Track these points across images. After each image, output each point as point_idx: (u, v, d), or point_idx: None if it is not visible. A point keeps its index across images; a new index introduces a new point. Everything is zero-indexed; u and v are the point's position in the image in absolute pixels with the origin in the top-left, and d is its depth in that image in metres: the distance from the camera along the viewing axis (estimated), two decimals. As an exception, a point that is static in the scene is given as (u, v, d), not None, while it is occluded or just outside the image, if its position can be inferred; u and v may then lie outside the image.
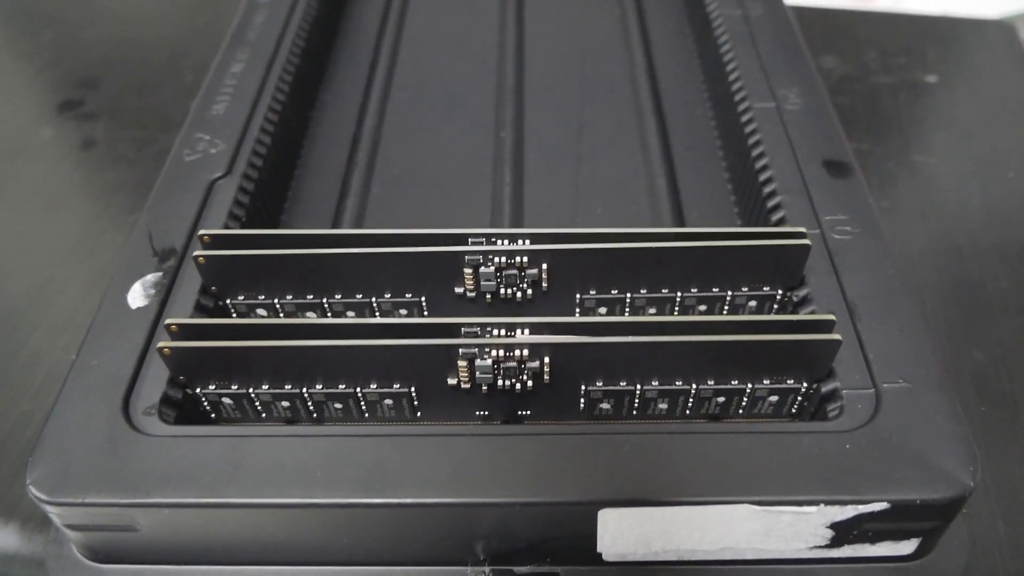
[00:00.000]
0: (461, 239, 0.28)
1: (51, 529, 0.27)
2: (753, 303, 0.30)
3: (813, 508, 0.23)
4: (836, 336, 0.25)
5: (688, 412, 0.28)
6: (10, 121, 0.46)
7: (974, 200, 0.39)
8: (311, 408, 0.27)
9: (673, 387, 0.27)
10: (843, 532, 0.24)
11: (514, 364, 0.25)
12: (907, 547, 0.25)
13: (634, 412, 0.28)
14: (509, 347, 0.25)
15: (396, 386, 0.27)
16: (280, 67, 0.39)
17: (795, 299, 0.29)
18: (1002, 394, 0.31)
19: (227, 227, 0.31)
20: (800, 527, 0.24)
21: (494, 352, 0.25)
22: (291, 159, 0.39)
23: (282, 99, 0.38)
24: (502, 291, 0.29)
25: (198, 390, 0.27)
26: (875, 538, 0.25)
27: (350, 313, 0.29)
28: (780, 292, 0.29)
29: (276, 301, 0.29)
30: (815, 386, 0.27)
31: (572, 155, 0.40)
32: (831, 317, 0.26)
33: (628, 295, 0.29)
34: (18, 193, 0.41)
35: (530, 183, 0.39)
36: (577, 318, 0.26)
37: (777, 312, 0.30)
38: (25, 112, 0.47)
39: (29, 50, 0.51)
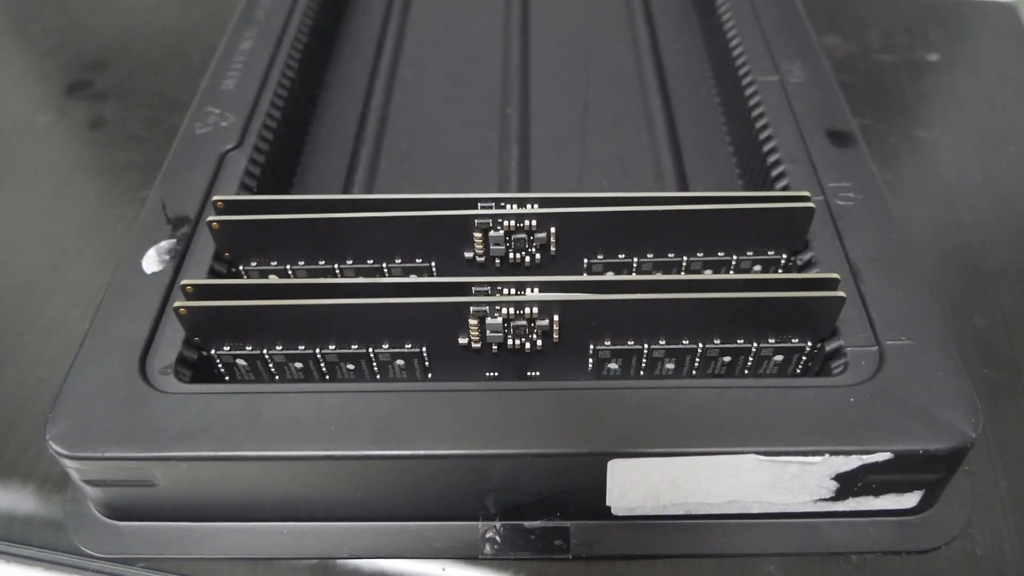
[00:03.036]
0: (471, 203, 0.29)
1: (69, 489, 0.28)
2: (758, 267, 0.30)
3: (818, 458, 0.24)
4: (840, 293, 0.26)
5: (695, 372, 0.28)
6: (21, 103, 0.46)
7: (975, 173, 0.40)
8: (324, 369, 0.28)
9: (680, 346, 0.27)
10: (848, 484, 0.25)
11: (524, 322, 0.26)
12: (910, 500, 0.26)
13: (641, 372, 0.28)
14: (519, 305, 0.26)
15: (408, 346, 0.27)
16: (289, 44, 0.40)
17: (799, 263, 0.30)
18: (1003, 358, 0.32)
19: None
20: (805, 478, 0.24)
21: (504, 310, 0.26)
22: (300, 134, 0.40)
23: (291, 75, 0.39)
24: (511, 255, 0.29)
25: (213, 351, 0.27)
26: (879, 490, 0.25)
27: (361, 278, 0.30)
28: (785, 256, 0.30)
29: (288, 267, 0.30)
30: (820, 345, 0.27)
31: (577, 131, 0.41)
32: (835, 275, 0.26)
33: (635, 259, 0.30)
34: (30, 172, 0.42)
35: (536, 158, 0.39)
36: (585, 277, 0.26)
37: (785, 273, 0.30)
38: (35, 93, 0.47)
39: (38, 34, 0.51)
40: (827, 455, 0.24)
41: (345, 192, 0.38)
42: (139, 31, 0.51)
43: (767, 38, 0.39)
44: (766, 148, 0.34)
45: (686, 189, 0.37)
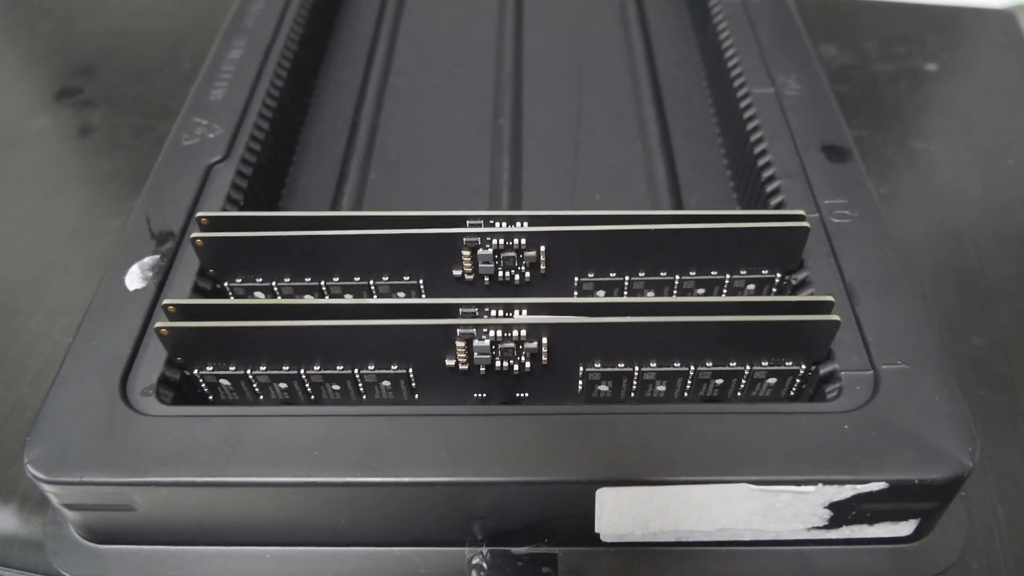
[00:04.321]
0: (459, 221, 0.28)
1: (49, 510, 0.27)
2: (752, 286, 0.30)
3: (811, 488, 0.23)
4: (835, 317, 0.25)
5: (687, 394, 0.28)
6: (9, 109, 0.46)
7: (973, 187, 0.39)
8: (309, 390, 0.27)
9: (671, 369, 0.27)
10: (842, 512, 0.24)
11: (512, 345, 0.25)
12: (906, 528, 0.25)
13: (632, 394, 0.28)
14: (507, 327, 0.25)
15: (394, 367, 0.27)
16: (278, 54, 0.39)
17: (794, 282, 0.29)
18: (1001, 378, 0.31)
19: (225, 210, 0.31)
20: (799, 507, 0.24)
21: (492, 332, 0.25)
22: (289, 144, 0.39)
23: (280, 85, 0.38)
24: (500, 274, 0.29)
25: (196, 371, 0.27)
26: (873, 519, 0.25)
27: (348, 295, 0.29)
28: (779, 275, 0.29)
29: (274, 284, 0.29)
30: (813, 368, 0.27)
31: (571, 142, 0.40)
32: (830, 298, 0.26)
33: (626, 278, 0.29)
34: (17, 180, 0.41)
35: (528, 169, 0.39)
36: (575, 299, 0.26)
37: (777, 295, 0.30)
38: (24, 100, 0.46)
39: (27, 39, 0.51)
40: (821, 484, 0.23)
41: (334, 202, 0.37)
42: (129, 37, 0.50)
43: (763, 49, 0.39)
44: (761, 163, 0.33)
45: (680, 202, 0.37)
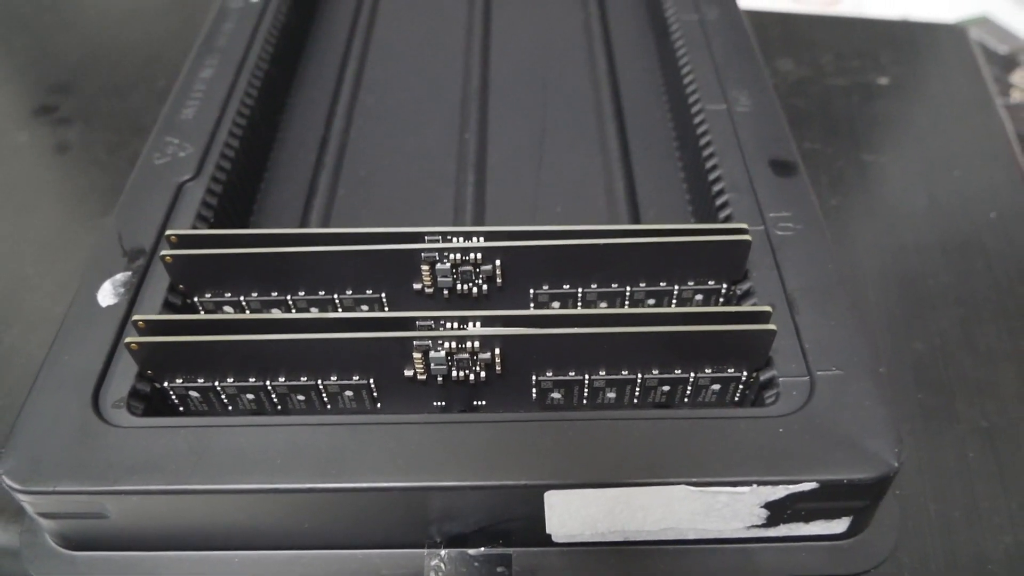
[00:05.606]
0: (418, 237, 0.29)
1: (25, 519, 0.28)
2: (699, 296, 0.31)
3: (746, 488, 0.25)
4: (771, 326, 0.27)
5: (636, 401, 0.29)
6: (-14, 126, 0.47)
7: (920, 198, 0.41)
8: (275, 400, 0.29)
9: (620, 376, 0.28)
10: (777, 511, 0.25)
11: (467, 356, 0.27)
12: (839, 526, 0.27)
13: (584, 401, 0.29)
14: (461, 339, 0.26)
15: (355, 378, 0.28)
16: (249, 72, 0.40)
17: (738, 292, 0.30)
18: (938, 382, 0.33)
19: (195, 228, 0.32)
20: (736, 507, 0.25)
21: (447, 344, 0.27)
22: (260, 162, 0.41)
23: (251, 103, 0.39)
24: (458, 287, 0.30)
25: (166, 384, 0.28)
26: (808, 517, 0.26)
27: (313, 309, 0.31)
28: (725, 286, 0.31)
29: (242, 298, 0.31)
30: (754, 375, 0.28)
31: (534, 156, 0.41)
32: (767, 308, 0.27)
33: (580, 290, 0.30)
34: (-7, 196, 0.42)
35: (492, 183, 0.40)
36: (525, 311, 0.27)
37: (723, 305, 0.31)
38: (2, 116, 0.47)
39: (2, 55, 0.52)
40: (755, 485, 0.24)
41: (303, 219, 0.38)
42: (103, 55, 0.51)
43: (717, 66, 0.40)
44: (712, 176, 0.35)
45: (637, 215, 0.38)
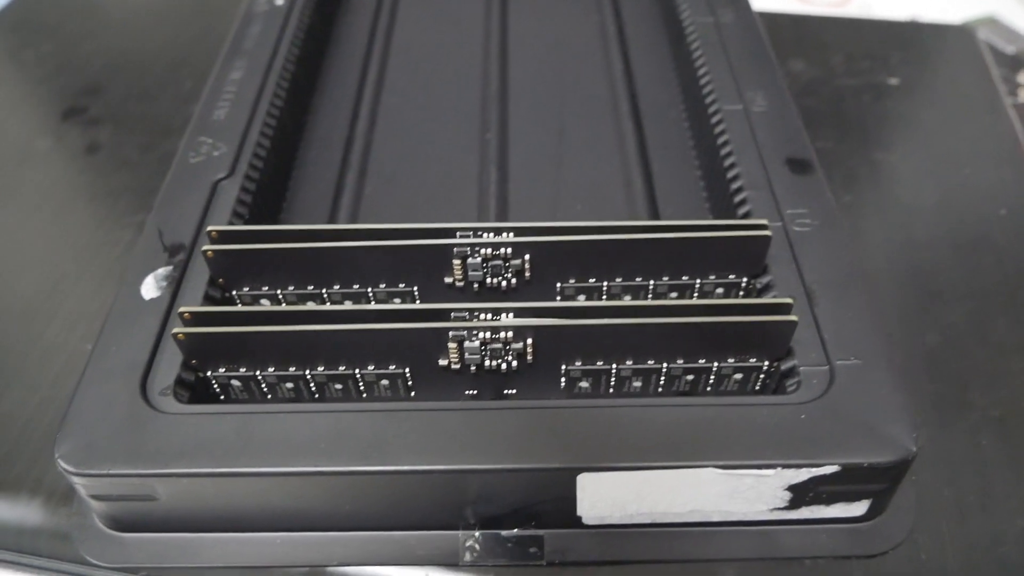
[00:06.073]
0: (450, 232, 0.31)
1: (75, 502, 0.30)
2: (720, 290, 0.32)
3: (771, 471, 0.26)
4: (792, 317, 0.28)
5: (660, 390, 0.30)
6: (17, 129, 0.48)
7: (930, 195, 0.42)
8: (313, 389, 0.30)
9: (646, 366, 0.29)
10: (800, 494, 0.27)
11: (499, 345, 0.28)
12: (859, 508, 0.28)
13: (610, 390, 0.30)
14: (495, 329, 0.28)
15: (392, 367, 0.29)
16: (277, 74, 0.41)
17: (758, 286, 0.32)
18: (951, 374, 0.34)
19: (231, 224, 0.34)
20: (761, 489, 0.26)
21: (481, 334, 0.28)
22: (289, 161, 0.42)
23: (279, 104, 0.40)
24: (488, 280, 0.31)
25: (209, 373, 0.29)
26: (829, 500, 0.27)
27: (347, 302, 0.32)
28: (745, 280, 0.32)
29: (279, 292, 0.32)
30: (775, 364, 0.29)
31: (554, 155, 0.43)
32: (789, 300, 0.28)
33: (605, 283, 0.32)
34: (28, 197, 0.43)
35: (514, 182, 0.41)
36: (556, 303, 0.28)
37: (743, 298, 0.32)
38: (31, 120, 0.49)
39: (32, 60, 0.53)
40: (779, 468, 0.26)
41: (332, 215, 0.40)
42: (130, 58, 0.53)
43: (733, 68, 0.41)
44: (730, 175, 0.36)
45: (656, 212, 0.39)
